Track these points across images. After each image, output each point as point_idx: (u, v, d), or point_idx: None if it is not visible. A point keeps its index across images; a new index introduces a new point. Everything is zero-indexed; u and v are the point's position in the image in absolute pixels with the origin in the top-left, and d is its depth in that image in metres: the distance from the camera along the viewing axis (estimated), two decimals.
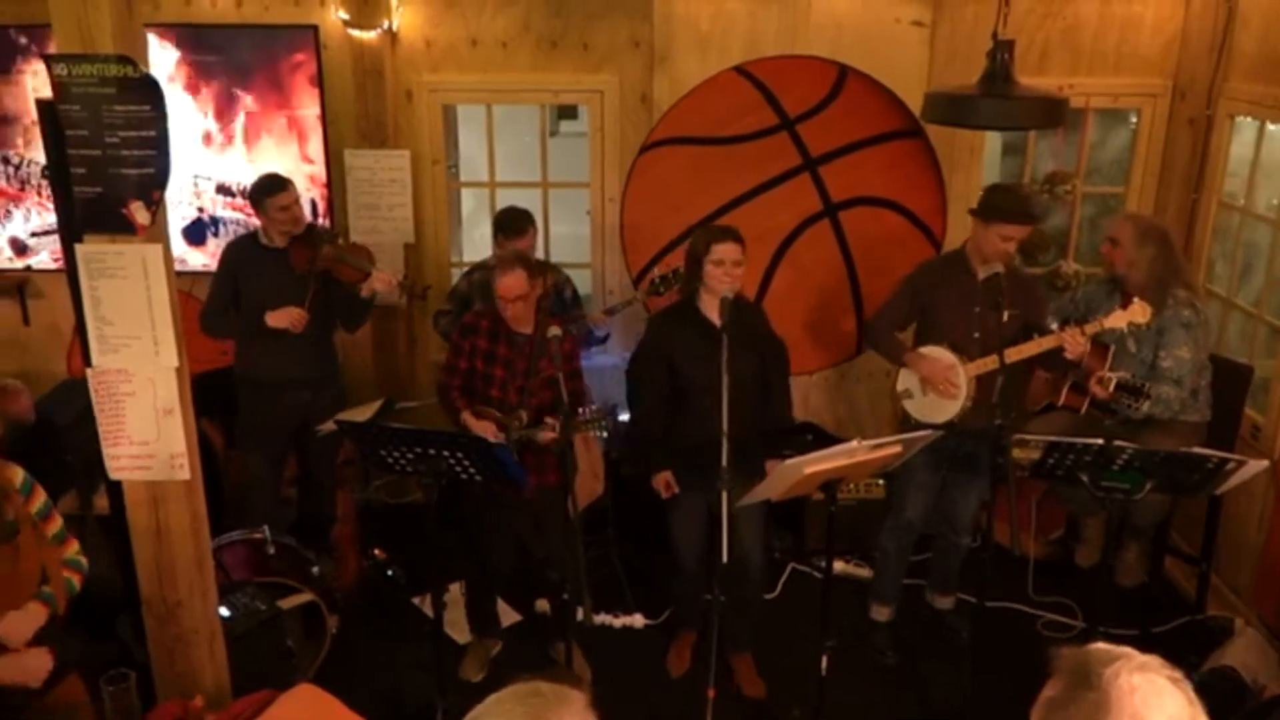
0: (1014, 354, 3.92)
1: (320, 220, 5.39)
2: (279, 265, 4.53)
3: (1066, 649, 1.56)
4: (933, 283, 4.22)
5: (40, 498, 3.17)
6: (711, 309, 3.92)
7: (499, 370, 4.10)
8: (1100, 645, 1.54)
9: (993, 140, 6.38)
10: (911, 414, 4.29)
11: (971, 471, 4.29)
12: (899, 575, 4.57)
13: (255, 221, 4.71)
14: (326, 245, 4.52)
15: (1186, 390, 4.33)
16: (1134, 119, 5.46)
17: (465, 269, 5.26)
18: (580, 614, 3.77)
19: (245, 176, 5.33)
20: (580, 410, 3.90)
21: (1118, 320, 3.95)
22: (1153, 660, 1.51)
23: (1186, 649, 4.26)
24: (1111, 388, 4.00)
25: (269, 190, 4.50)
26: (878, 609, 4.63)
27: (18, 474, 3.09)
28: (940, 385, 4.11)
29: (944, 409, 4.16)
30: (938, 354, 4.16)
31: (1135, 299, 3.98)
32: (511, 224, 4.78)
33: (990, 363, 3.94)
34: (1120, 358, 4.36)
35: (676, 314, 4.08)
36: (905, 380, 4.33)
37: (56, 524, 3.24)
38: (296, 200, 4.58)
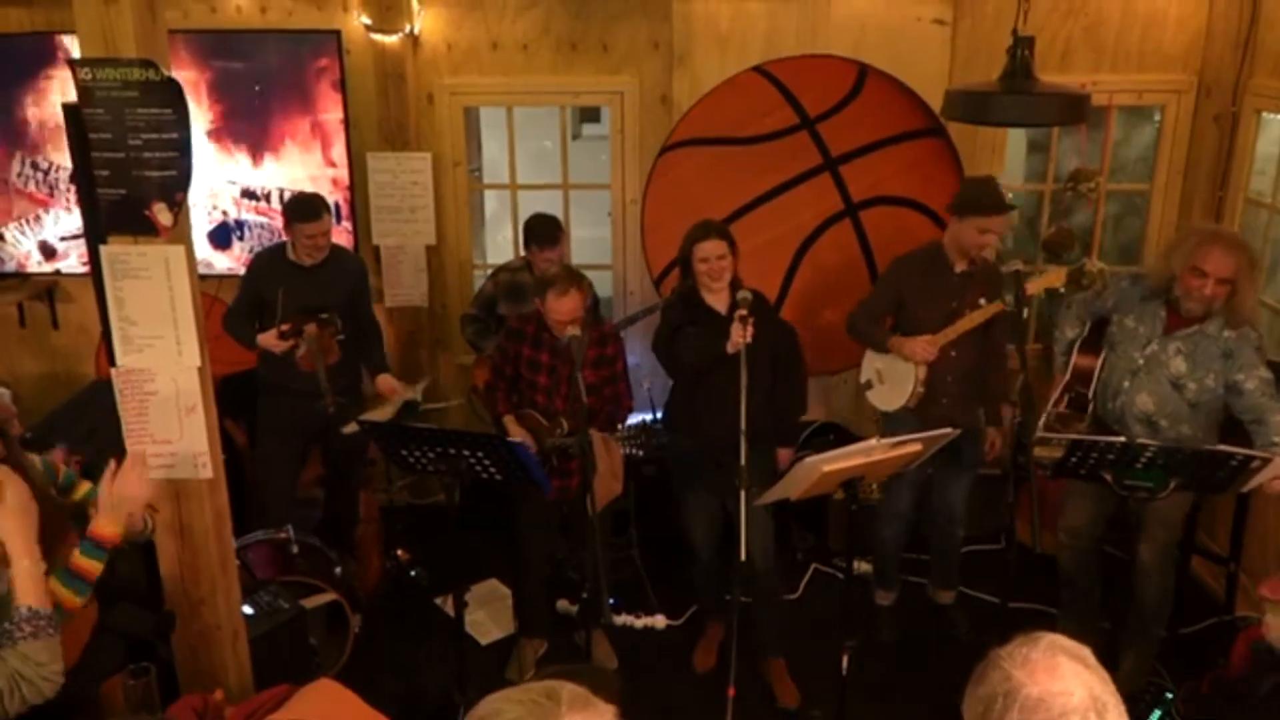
0: (950, 333, 4.12)
1: (342, 223, 5.43)
2: (300, 283, 4.51)
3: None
4: (912, 277, 4.25)
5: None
6: (715, 300, 4.00)
7: (543, 377, 4.08)
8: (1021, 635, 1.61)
9: (1016, 139, 6.35)
10: (874, 403, 4.43)
11: (955, 464, 4.29)
12: (896, 561, 4.71)
13: (279, 225, 4.73)
14: (311, 325, 4.44)
15: None
16: (1158, 116, 5.42)
17: (488, 271, 5.29)
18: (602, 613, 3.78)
19: (269, 181, 5.39)
20: (618, 424, 3.89)
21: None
22: (1058, 639, 1.58)
23: (1215, 650, 4.22)
24: (1064, 405, 4.10)
25: (300, 216, 4.47)
26: (882, 594, 4.77)
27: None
28: (928, 357, 4.15)
29: (897, 396, 4.27)
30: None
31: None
32: (544, 231, 4.77)
33: (961, 326, 4.09)
34: (1155, 372, 3.93)
35: (684, 303, 4.10)
36: (866, 372, 4.41)
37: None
38: (325, 232, 4.53)
